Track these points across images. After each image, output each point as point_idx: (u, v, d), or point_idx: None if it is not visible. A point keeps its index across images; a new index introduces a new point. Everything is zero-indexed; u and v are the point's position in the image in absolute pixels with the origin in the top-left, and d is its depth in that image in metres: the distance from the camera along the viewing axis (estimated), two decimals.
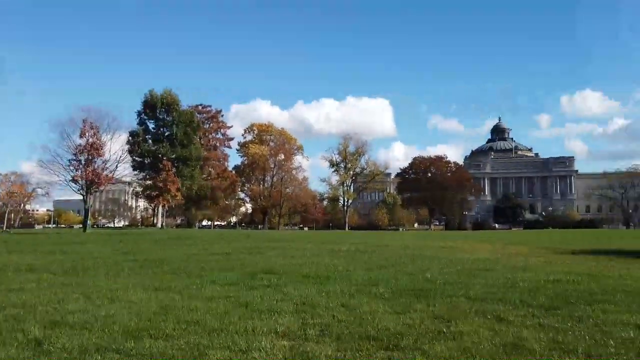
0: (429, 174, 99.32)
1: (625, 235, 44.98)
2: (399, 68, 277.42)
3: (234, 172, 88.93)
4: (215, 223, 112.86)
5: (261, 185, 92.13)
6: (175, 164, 67.68)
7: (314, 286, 9.17)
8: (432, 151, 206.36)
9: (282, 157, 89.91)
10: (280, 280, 9.93)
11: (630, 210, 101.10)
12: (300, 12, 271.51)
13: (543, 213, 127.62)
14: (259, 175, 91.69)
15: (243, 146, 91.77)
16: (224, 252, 17.06)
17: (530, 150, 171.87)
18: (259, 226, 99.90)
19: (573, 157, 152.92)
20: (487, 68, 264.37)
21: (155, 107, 72.52)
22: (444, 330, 5.95)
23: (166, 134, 72.79)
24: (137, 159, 70.14)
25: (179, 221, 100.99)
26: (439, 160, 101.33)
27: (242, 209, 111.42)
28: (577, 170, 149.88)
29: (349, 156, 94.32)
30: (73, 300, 7.80)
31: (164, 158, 65.62)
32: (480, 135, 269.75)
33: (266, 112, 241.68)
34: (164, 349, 5.02)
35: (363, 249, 18.43)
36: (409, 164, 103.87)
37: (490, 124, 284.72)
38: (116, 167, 53.45)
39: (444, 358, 4.86)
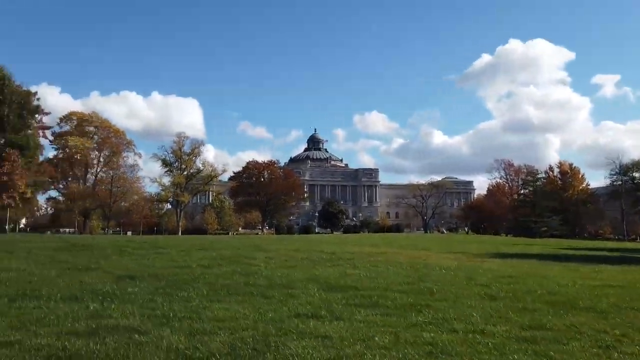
0: (262, 179, 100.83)
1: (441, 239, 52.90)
2: (210, 69, 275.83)
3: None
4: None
5: (81, 184, 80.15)
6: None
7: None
8: (242, 157, 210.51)
9: (110, 152, 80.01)
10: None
11: (425, 218, 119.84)
12: None
13: (354, 219, 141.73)
14: (78, 172, 79.68)
15: (58, 137, 78.44)
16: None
17: (341, 160, 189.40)
18: (67, 230, 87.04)
19: (378, 169, 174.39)
20: (298, 82, 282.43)
21: None
22: None
23: None
24: None
25: None
26: (272, 165, 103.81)
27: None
28: (379, 181, 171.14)
29: (183, 156, 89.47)
30: None
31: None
32: (287, 144, 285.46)
33: (54, 100, 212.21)
34: None
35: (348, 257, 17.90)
36: (243, 168, 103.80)
37: (296, 134, 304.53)
38: None
39: None
